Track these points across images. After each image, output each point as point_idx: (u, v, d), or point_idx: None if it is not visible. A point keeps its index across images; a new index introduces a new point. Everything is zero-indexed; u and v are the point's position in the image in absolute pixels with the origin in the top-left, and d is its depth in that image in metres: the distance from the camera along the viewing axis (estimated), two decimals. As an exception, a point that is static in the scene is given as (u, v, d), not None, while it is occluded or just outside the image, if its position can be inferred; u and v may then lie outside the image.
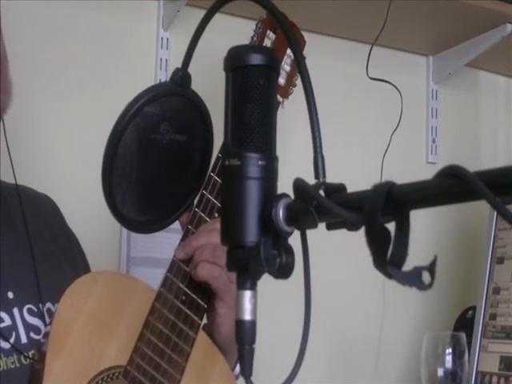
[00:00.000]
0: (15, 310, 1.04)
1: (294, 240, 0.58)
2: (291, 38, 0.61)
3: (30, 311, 1.06)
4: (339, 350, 1.75)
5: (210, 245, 1.02)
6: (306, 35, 1.20)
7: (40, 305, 1.06)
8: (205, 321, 1.09)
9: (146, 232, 0.84)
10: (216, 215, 1.06)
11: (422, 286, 0.49)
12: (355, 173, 1.64)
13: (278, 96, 1.12)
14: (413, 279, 0.49)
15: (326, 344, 1.70)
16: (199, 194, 0.98)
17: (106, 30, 1.59)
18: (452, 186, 0.47)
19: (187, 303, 1.03)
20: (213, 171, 1.06)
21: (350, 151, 1.84)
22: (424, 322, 1.86)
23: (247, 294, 0.59)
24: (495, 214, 1.62)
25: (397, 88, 1.75)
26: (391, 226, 0.51)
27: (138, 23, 1.62)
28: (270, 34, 1.13)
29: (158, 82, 1.60)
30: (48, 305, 1.07)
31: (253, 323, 0.60)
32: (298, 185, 0.56)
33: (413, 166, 1.88)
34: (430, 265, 0.49)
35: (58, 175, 1.49)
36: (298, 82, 1.15)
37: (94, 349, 0.96)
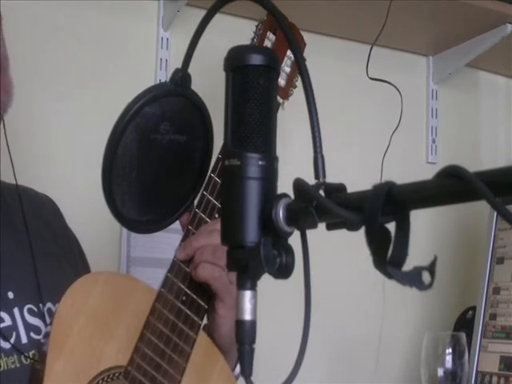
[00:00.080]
0: (15, 310, 1.04)
1: (294, 240, 0.58)
2: (291, 39, 0.61)
3: (30, 311, 1.06)
4: (339, 350, 1.75)
5: (210, 245, 1.02)
6: (306, 35, 1.20)
7: (40, 305, 1.06)
8: (205, 321, 1.09)
9: (145, 232, 0.84)
10: (216, 216, 1.06)
11: (422, 286, 0.49)
12: (355, 173, 1.64)
13: (279, 97, 1.12)
14: (413, 279, 0.49)
15: (326, 344, 1.70)
16: (199, 194, 0.98)
17: (106, 30, 1.59)
18: (452, 186, 0.47)
19: (187, 304, 1.03)
20: (213, 172, 1.06)
21: (350, 151, 1.84)
22: (424, 322, 1.86)
23: (247, 294, 0.59)
24: (495, 214, 1.62)
25: (397, 88, 1.75)
26: (391, 226, 0.51)
27: (138, 23, 1.62)
28: (270, 36, 1.13)
29: (158, 82, 1.60)
30: (48, 305, 1.07)
31: (253, 323, 0.60)
32: (298, 185, 0.56)
33: (413, 166, 1.88)
34: (430, 265, 0.49)
35: (58, 175, 1.49)
36: (298, 83, 1.15)
37: (94, 349, 0.96)
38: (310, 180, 0.57)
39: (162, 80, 1.60)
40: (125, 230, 1.51)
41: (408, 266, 0.50)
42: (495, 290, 1.58)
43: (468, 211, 1.84)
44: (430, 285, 0.49)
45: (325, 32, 1.80)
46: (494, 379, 1.51)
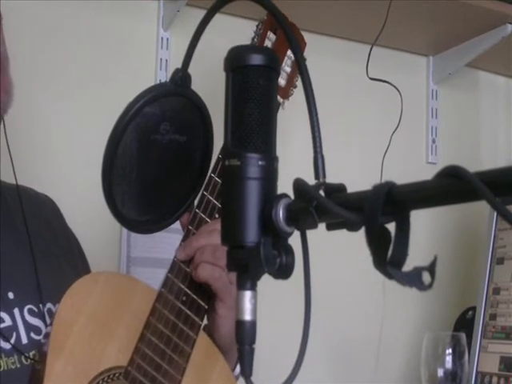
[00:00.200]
0: (16, 311, 1.04)
1: (294, 240, 0.58)
2: (292, 39, 0.61)
3: (30, 311, 1.06)
4: (339, 350, 1.75)
5: (210, 246, 1.02)
6: (306, 35, 1.20)
7: (40, 305, 1.06)
8: (205, 321, 1.09)
9: (146, 232, 0.84)
10: (216, 216, 1.06)
11: (422, 287, 0.49)
12: (355, 173, 1.64)
13: (279, 97, 1.12)
14: (413, 279, 0.49)
15: (326, 344, 1.70)
16: (200, 194, 0.98)
17: (106, 30, 1.59)
18: (452, 186, 0.47)
19: (188, 304, 1.03)
20: (213, 172, 1.06)
21: (350, 151, 1.84)
22: (424, 322, 1.86)
23: (247, 294, 0.59)
24: (495, 214, 1.62)
25: (397, 88, 1.75)
26: (391, 226, 0.51)
27: (138, 23, 1.62)
28: (271, 35, 1.13)
29: (158, 82, 1.60)
30: (48, 305, 1.07)
31: (253, 323, 0.60)
32: (298, 185, 0.56)
33: (413, 166, 1.88)
34: (430, 265, 0.49)
35: (58, 175, 1.49)
36: (299, 82, 1.15)
37: (94, 349, 0.96)
38: (310, 180, 0.57)
39: (162, 80, 1.60)
40: (125, 230, 1.51)
41: (408, 266, 0.50)
42: (495, 291, 1.58)
43: (468, 211, 1.84)
44: (430, 285, 0.48)
45: (325, 32, 1.80)
46: (494, 379, 1.51)
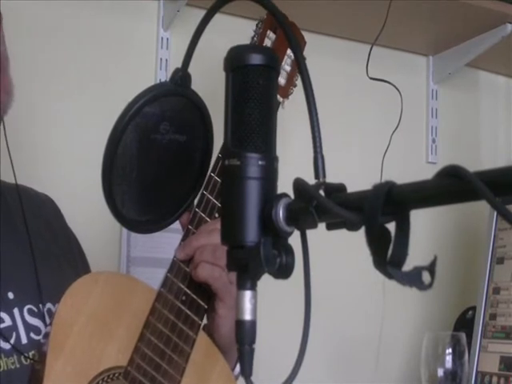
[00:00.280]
0: (15, 311, 1.04)
1: (294, 240, 0.58)
2: (291, 38, 0.61)
3: (30, 311, 1.05)
4: (339, 350, 1.75)
5: (210, 245, 1.02)
6: (306, 35, 1.20)
7: (40, 305, 1.06)
8: (205, 321, 1.09)
9: (145, 232, 0.84)
10: (216, 215, 1.06)
11: (422, 286, 0.49)
12: (355, 173, 1.64)
13: (278, 96, 1.12)
14: (413, 279, 0.49)
15: (326, 344, 1.70)
16: (199, 194, 0.98)
17: (106, 30, 1.59)
18: (452, 186, 0.47)
19: (187, 303, 1.03)
20: (213, 171, 1.06)
21: (350, 151, 1.84)
22: (424, 322, 1.86)
23: (247, 294, 0.59)
24: (495, 214, 1.62)
25: (397, 88, 1.75)
26: (391, 226, 0.51)
27: (138, 23, 1.62)
28: (271, 34, 1.13)
29: (158, 81, 1.60)
30: (48, 305, 1.07)
31: (253, 323, 0.60)
32: (298, 185, 0.56)
33: (413, 166, 1.88)
34: (430, 265, 0.49)
35: (57, 175, 1.49)
36: (299, 82, 1.15)
37: (94, 349, 0.96)
38: (310, 180, 0.57)
39: (162, 80, 1.60)
40: (125, 230, 1.51)
41: (408, 266, 0.50)
42: (495, 290, 1.58)
43: (468, 211, 1.84)
44: (430, 285, 0.48)
45: (325, 32, 1.80)
46: (494, 379, 1.51)
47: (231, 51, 0.61)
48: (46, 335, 0.97)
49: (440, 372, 1.28)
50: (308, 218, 0.55)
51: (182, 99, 0.76)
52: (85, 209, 1.44)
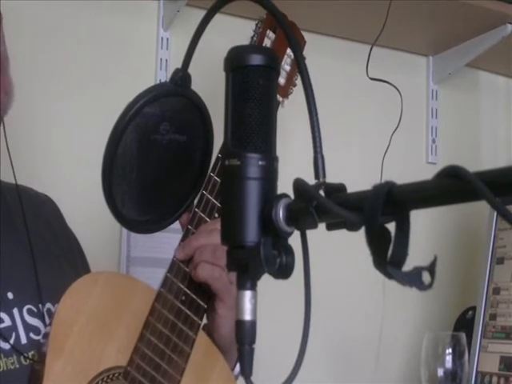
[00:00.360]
0: (15, 311, 1.04)
1: (294, 240, 0.58)
2: (291, 37, 0.61)
3: (29, 312, 1.05)
4: (339, 350, 1.75)
5: (210, 245, 1.02)
6: (306, 35, 1.20)
7: (40, 305, 1.06)
8: (205, 321, 1.09)
9: (146, 232, 0.84)
10: (216, 215, 1.06)
11: (422, 286, 0.49)
12: (355, 173, 1.64)
13: (278, 96, 1.12)
14: (413, 279, 0.49)
15: (326, 344, 1.70)
16: (199, 194, 0.98)
17: (106, 30, 1.59)
18: (452, 186, 0.47)
19: (187, 303, 1.03)
20: (213, 171, 1.06)
21: (350, 151, 1.84)
22: (424, 322, 1.86)
23: (247, 294, 0.59)
24: (495, 214, 1.62)
25: (397, 88, 1.75)
26: (391, 226, 0.50)
27: (138, 23, 1.62)
28: (270, 34, 1.13)
29: (158, 82, 1.60)
30: (48, 305, 1.07)
31: (253, 323, 0.60)
32: (298, 185, 0.56)
33: (413, 166, 1.88)
34: (430, 265, 0.49)
35: (58, 175, 1.49)
36: (298, 81, 1.15)
37: (94, 349, 0.96)
38: (310, 180, 0.57)
39: (162, 80, 1.60)
40: (125, 230, 1.51)
41: (408, 266, 0.50)
42: (495, 290, 1.58)
43: (468, 211, 1.84)
44: (430, 285, 0.48)
45: (325, 32, 1.80)
46: (494, 379, 1.51)
47: (231, 51, 0.61)
48: (46, 335, 0.97)
49: (440, 372, 1.28)
50: (308, 218, 0.55)
51: (182, 99, 0.76)
52: (85, 209, 1.44)
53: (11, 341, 1.02)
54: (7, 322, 1.03)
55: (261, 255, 0.57)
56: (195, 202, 1.02)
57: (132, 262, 1.54)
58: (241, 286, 0.59)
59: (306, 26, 1.50)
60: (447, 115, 1.97)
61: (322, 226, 0.56)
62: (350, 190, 0.55)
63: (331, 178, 0.57)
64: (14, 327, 1.03)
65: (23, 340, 1.03)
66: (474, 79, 2.03)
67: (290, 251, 0.58)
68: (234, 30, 1.52)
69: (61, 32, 1.54)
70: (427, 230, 1.85)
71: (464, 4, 1.65)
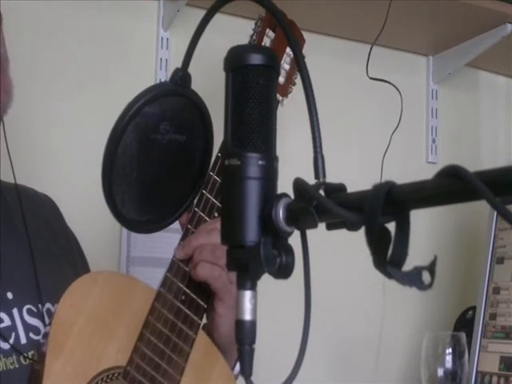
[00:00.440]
0: (15, 311, 1.04)
1: (294, 240, 0.58)
2: (291, 36, 0.61)
3: (29, 311, 1.05)
4: (339, 350, 1.75)
5: (209, 245, 1.02)
6: (306, 35, 1.20)
7: (39, 305, 1.06)
8: (204, 320, 1.09)
9: (145, 232, 0.84)
10: (216, 215, 1.06)
11: (422, 286, 0.49)
12: (355, 173, 1.64)
13: (278, 95, 1.12)
14: (413, 279, 0.49)
15: (326, 344, 1.70)
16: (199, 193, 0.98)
17: (106, 30, 1.59)
18: (452, 186, 0.47)
19: (187, 303, 1.03)
20: (212, 170, 1.06)
21: (350, 151, 1.84)
22: (424, 322, 1.86)
23: (247, 294, 0.59)
24: (495, 214, 1.62)
25: (397, 88, 1.75)
26: (391, 226, 0.50)
27: (138, 23, 1.62)
28: (270, 33, 1.12)
29: (158, 81, 1.60)
30: (47, 305, 1.07)
31: (253, 323, 0.60)
32: (298, 185, 0.56)
33: (413, 166, 1.88)
34: (430, 265, 0.49)
35: (58, 175, 1.49)
36: (298, 80, 1.15)
37: (93, 349, 0.96)
38: (310, 180, 0.57)
39: (162, 80, 1.60)
40: (125, 230, 1.51)
41: (408, 266, 0.50)
42: (495, 290, 1.58)
43: (468, 211, 1.84)
44: (430, 285, 0.48)
45: (325, 32, 1.80)
46: (494, 379, 1.51)
47: (231, 51, 0.61)
48: (46, 335, 0.97)
49: (440, 372, 1.28)
50: (308, 218, 0.55)
51: (182, 99, 0.76)
52: (85, 209, 1.44)
53: (11, 341, 1.02)
54: (7, 322, 1.03)
55: (261, 255, 0.57)
56: (195, 201, 1.02)
57: (132, 262, 1.54)
58: (241, 286, 0.59)
59: (306, 26, 1.50)
60: (447, 115, 1.97)
61: (321, 226, 0.56)
62: (350, 189, 0.55)
63: (331, 177, 0.57)
64: (13, 327, 1.03)
65: (23, 340, 1.03)
66: (474, 79, 2.03)
67: (290, 251, 0.58)
68: (234, 30, 1.52)
69: (61, 32, 1.54)
70: (427, 230, 1.85)
71: (464, 4, 1.65)
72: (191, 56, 0.71)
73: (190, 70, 0.73)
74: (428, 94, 1.95)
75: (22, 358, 1.01)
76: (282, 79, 1.15)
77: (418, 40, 1.87)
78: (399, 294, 1.67)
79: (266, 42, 1.12)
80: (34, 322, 1.05)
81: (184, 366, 1.01)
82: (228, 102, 0.60)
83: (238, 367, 1.10)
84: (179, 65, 0.73)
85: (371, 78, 1.67)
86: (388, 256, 0.50)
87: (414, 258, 0.50)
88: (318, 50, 1.72)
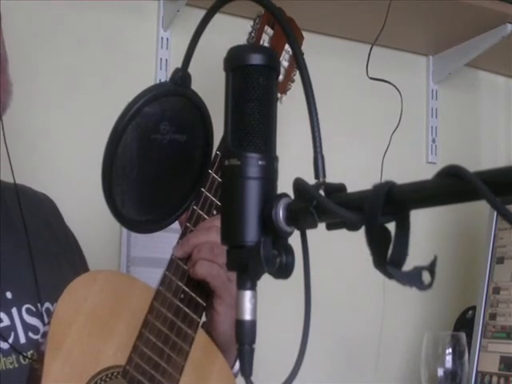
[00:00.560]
0: (14, 310, 1.04)
1: (294, 240, 0.58)
2: (289, 33, 0.61)
3: (28, 311, 1.05)
4: (339, 350, 1.75)
5: (208, 243, 1.02)
6: (306, 35, 1.20)
7: (39, 304, 1.06)
8: (203, 319, 1.09)
9: (145, 232, 0.84)
10: (214, 213, 1.06)
11: (422, 286, 0.49)
12: (355, 173, 1.64)
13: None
14: (413, 279, 0.49)
15: (326, 344, 1.70)
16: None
17: (106, 30, 1.59)
18: (452, 185, 0.47)
19: (186, 301, 1.03)
20: (211, 168, 1.06)
21: (350, 151, 1.84)
22: (424, 322, 1.86)
23: (247, 293, 0.59)
24: (495, 214, 1.62)
25: (397, 88, 1.75)
26: (391, 226, 0.50)
27: (137, 23, 1.62)
28: (268, 30, 1.12)
29: (157, 81, 1.60)
30: (47, 304, 1.07)
31: (253, 323, 0.60)
32: (298, 185, 0.56)
33: (413, 166, 1.88)
34: (430, 265, 0.49)
35: (57, 175, 1.49)
36: (297, 77, 1.15)
37: (92, 348, 0.96)
38: (310, 180, 0.57)
39: (162, 80, 1.60)
40: (125, 230, 1.51)
41: (408, 266, 0.50)
42: (495, 290, 1.58)
43: (468, 211, 1.84)
44: (430, 285, 0.48)
45: (325, 32, 1.80)
46: (494, 379, 1.51)
47: (231, 51, 0.61)
48: (44, 334, 0.97)
49: (440, 372, 1.28)
50: (308, 218, 0.55)
51: (182, 99, 0.75)
52: (85, 209, 1.44)
53: (10, 340, 1.02)
54: (6, 322, 1.03)
55: (261, 255, 0.56)
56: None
57: (132, 262, 1.54)
58: (241, 286, 0.59)
59: (306, 26, 1.49)
60: (447, 115, 1.97)
61: (321, 226, 0.56)
62: (350, 189, 0.55)
63: (331, 178, 0.57)
64: (12, 327, 1.03)
65: (22, 339, 1.03)
66: (473, 79, 2.03)
67: (290, 251, 0.58)
68: (233, 30, 1.52)
69: (61, 32, 1.54)
70: (427, 230, 1.85)
71: (464, 4, 1.65)
72: (191, 56, 0.71)
73: (190, 69, 0.73)
74: (428, 94, 1.95)
75: (21, 358, 1.01)
76: (280, 76, 1.15)
77: (417, 40, 1.87)
78: (399, 294, 1.67)
79: (265, 39, 1.11)
80: (33, 321, 1.05)
81: (183, 365, 1.01)
82: (228, 102, 0.60)
83: (237, 365, 1.10)
84: (179, 65, 0.73)
85: (371, 78, 1.67)
86: (388, 256, 0.50)
87: (414, 258, 0.50)
88: (318, 50, 1.72)
